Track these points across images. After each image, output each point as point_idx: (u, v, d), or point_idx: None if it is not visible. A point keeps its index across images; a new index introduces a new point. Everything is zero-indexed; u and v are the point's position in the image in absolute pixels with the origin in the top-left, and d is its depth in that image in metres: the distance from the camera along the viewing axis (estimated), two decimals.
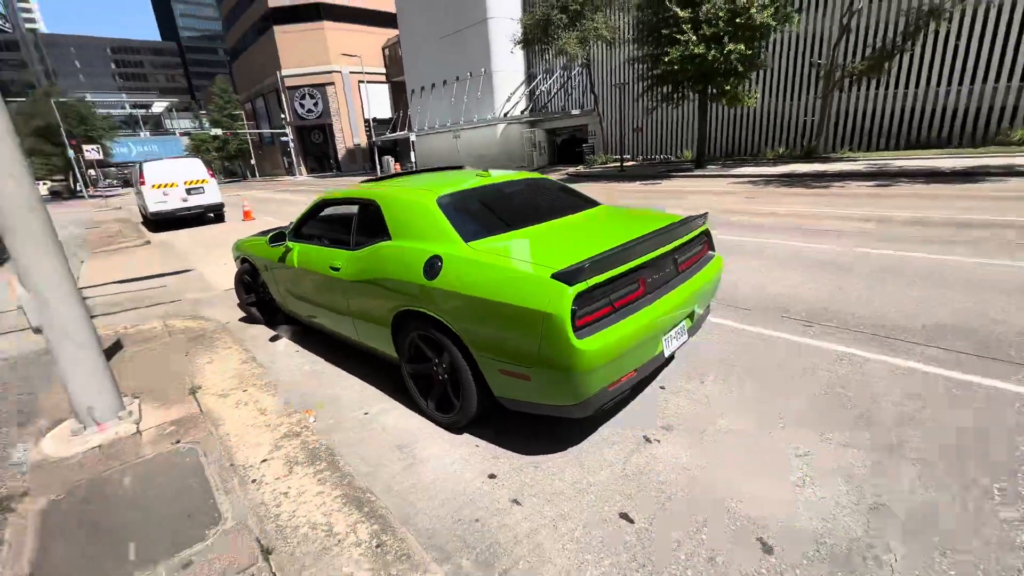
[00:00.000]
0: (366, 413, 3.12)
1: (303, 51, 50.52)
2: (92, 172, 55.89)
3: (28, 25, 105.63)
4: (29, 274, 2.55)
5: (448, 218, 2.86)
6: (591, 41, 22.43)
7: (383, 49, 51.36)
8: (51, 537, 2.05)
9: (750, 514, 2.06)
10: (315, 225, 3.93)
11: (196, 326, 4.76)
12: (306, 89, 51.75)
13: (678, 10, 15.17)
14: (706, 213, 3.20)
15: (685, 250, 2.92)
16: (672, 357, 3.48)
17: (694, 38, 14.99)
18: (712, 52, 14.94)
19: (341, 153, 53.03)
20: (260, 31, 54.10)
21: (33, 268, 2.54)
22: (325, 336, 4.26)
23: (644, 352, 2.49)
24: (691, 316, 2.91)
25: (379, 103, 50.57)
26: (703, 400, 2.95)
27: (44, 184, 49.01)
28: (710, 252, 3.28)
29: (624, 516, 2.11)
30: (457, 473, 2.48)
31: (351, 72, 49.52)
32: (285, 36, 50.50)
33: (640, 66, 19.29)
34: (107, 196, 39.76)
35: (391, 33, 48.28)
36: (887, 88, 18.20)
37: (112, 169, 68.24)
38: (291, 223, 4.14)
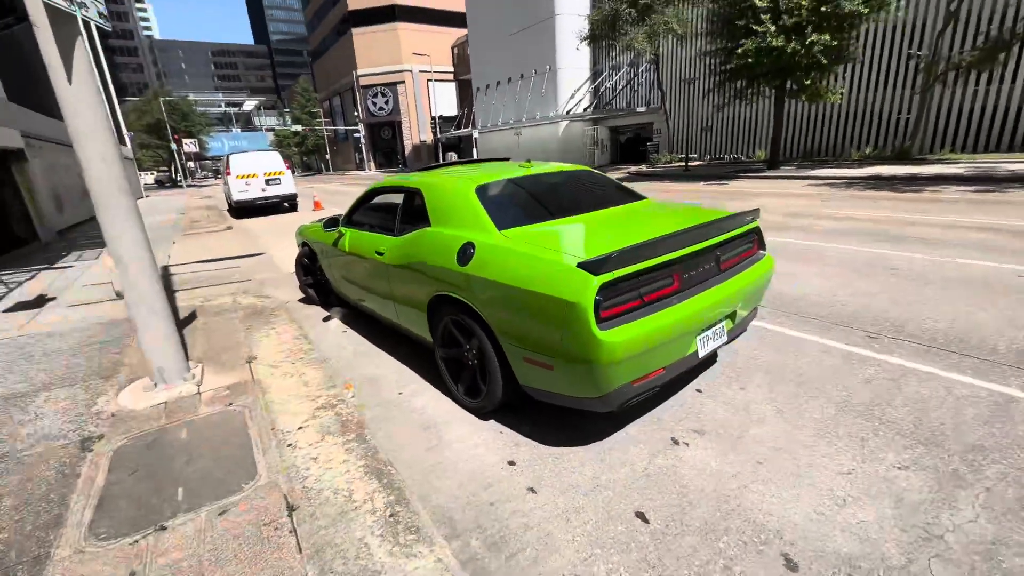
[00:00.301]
0: (400, 393, 3.24)
1: (377, 51, 52.88)
2: (191, 164, 61.85)
3: (145, 32, 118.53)
4: (115, 244, 2.88)
5: (484, 206, 2.89)
6: (660, 36, 21.68)
7: (452, 48, 52.61)
8: (117, 473, 2.32)
9: (777, 528, 1.92)
10: (365, 212, 4.12)
11: (260, 303, 5.15)
12: (378, 88, 54.15)
13: (755, 0, 14.29)
14: (757, 209, 3.01)
15: (730, 247, 2.76)
16: (713, 359, 3.32)
17: (772, 29, 14.03)
18: (792, 44, 13.91)
19: (408, 149, 55.03)
20: (339, 33, 57.27)
21: (118, 239, 2.86)
22: (371, 319, 4.46)
23: (674, 350, 2.39)
24: (732, 317, 2.75)
25: (446, 101, 51.93)
26: (741, 406, 2.78)
27: (151, 174, 54.90)
28: (760, 251, 3.08)
29: (640, 515, 2.04)
30: (478, 457, 2.51)
31: (421, 71, 51.20)
32: (361, 37, 53.10)
33: (711, 60, 18.41)
34: (201, 185, 43.88)
35: (460, 32, 49.35)
36: (999, 83, 16.12)
37: (208, 161, 75.19)
38: (345, 211, 4.36)
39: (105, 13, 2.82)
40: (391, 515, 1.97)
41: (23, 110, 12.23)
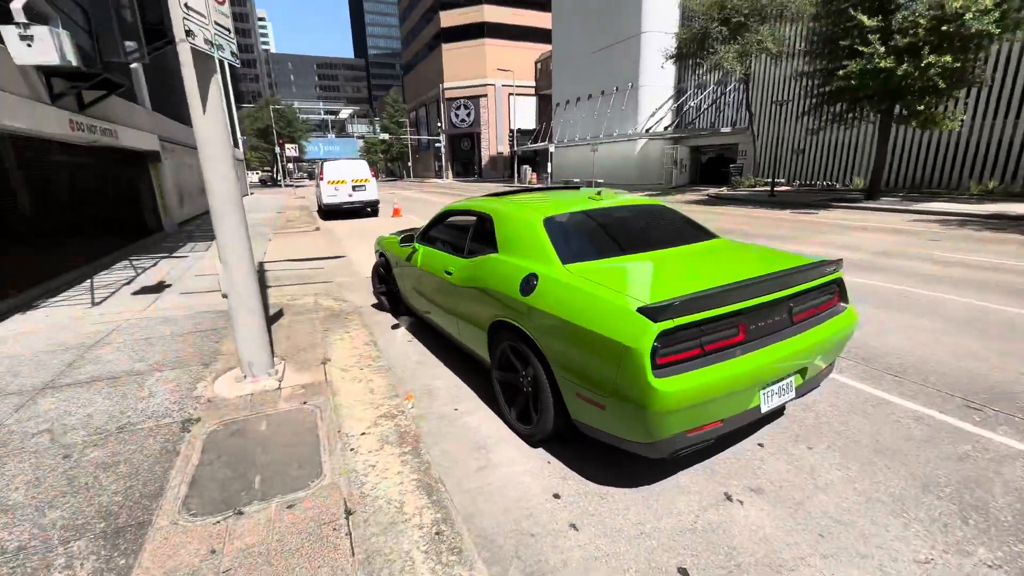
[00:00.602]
0: (456, 409, 3.37)
1: (463, 66, 55.25)
2: (290, 166, 67.98)
3: (263, 46, 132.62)
4: (224, 251, 3.28)
5: (551, 238, 2.97)
6: (753, 55, 20.75)
7: (535, 63, 53.67)
8: (208, 455, 2.64)
9: None
10: (439, 231, 4.35)
11: (337, 306, 5.58)
12: (462, 100, 56.46)
13: (864, 18, 13.23)
14: (840, 260, 2.82)
15: (805, 299, 2.62)
16: (780, 413, 3.14)
17: (881, 50, 12.89)
18: (904, 66, 12.68)
19: (485, 160, 56.69)
20: (430, 48, 60.56)
21: (227, 247, 3.27)
22: (434, 331, 4.68)
23: (735, 403, 2.31)
24: (803, 372, 2.60)
25: (525, 114, 52.97)
26: (807, 468, 2.61)
27: (256, 173, 60.93)
28: (841, 304, 2.88)
29: (682, 571, 1.99)
30: (525, 484, 2.56)
31: (503, 85, 52.70)
32: (450, 52, 55.76)
33: (808, 82, 17.29)
34: (297, 186, 48.00)
35: (544, 48, 50.33)
36: None
37: (304, 163, 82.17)
38: (420, 227, 4.63)
39: (236, 52, 3.26)
40: (437, 532, 2.07)
41: (162, 117, 14.16)
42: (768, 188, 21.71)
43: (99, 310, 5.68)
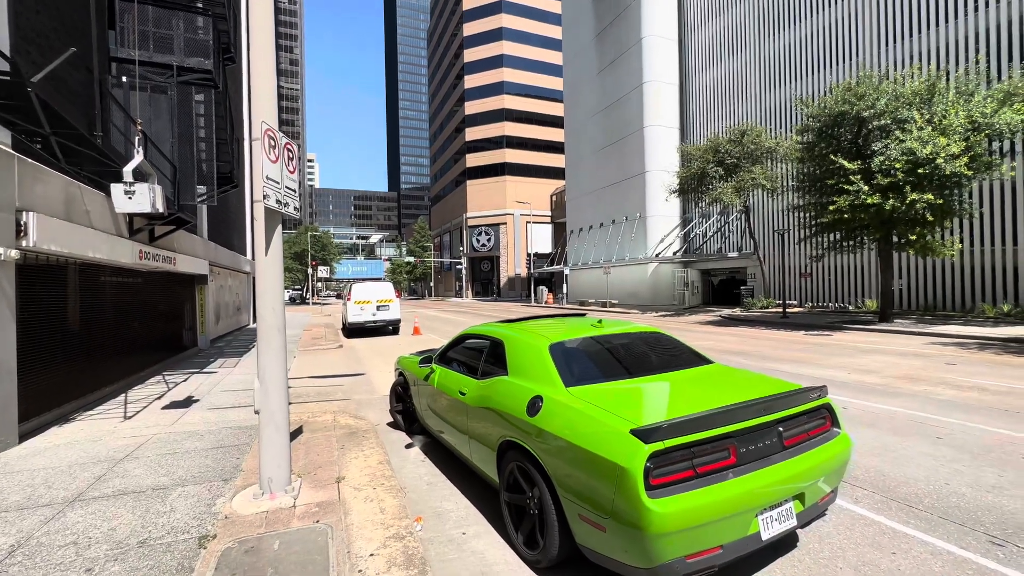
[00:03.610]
0: (464, 533, 3.38)
1: (485, 198, 61.08)
2: (319, 285, 72.15)
3: (308, 182, 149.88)
4: (263, 371, 3.67)
5: (555, 363, 3.29)
6: (748, 190, 22.68)
7: (551, 196, 59.01)
8: (221, 573, 2.70)
9: None
10: (456, 352, 4.70)
11: (354, 424, 5.76)
12: (483, 227, 61.27)
13: (844, 163, 14.72)
14: (824, 386, 3.03)
15: (794, 423, 2.79)
16: (792, 544, 3.08)
17: (866, 188, 14.10)
18: (891, 202, 13.73)
19: (503, 281, 59.48)
20: (456, 183, 67.71)
21: (267, 369, 3.66)
22: (446, 452, 4.77)
23: (732, 528, 2.37)
24: (801, 499, 2.66)
25: (541, 240, 56.78)
26: None
27: (288, 291, 64.67)
28: (834, 430, 3.01)
29: None
30: None
31: (522, 214, 57.49)
32: (473, 187, 62.10)
33: (802, 214, 18.60)
34: (324, 303, 50.40)
35: (559, 183, 55.79)
36: None
37: (332, 283, 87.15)
38: (439, 348, 5.02)
39: (298, 207, 4.01)
40: None
41: (214, 245, 15.84)
42: (780, 309, 22.05)
43: (131, 424, 5.97)
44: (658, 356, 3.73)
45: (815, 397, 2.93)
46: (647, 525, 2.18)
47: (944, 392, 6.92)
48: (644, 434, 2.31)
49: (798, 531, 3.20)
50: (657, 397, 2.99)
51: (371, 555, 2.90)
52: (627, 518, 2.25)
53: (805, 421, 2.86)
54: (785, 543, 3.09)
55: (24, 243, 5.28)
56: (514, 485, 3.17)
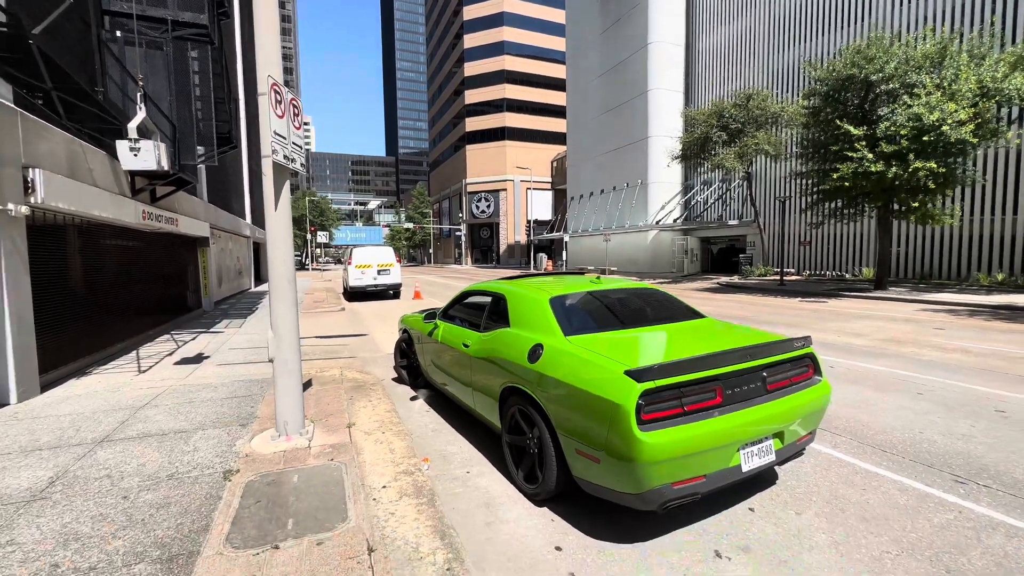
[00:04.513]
0: (468, 472, 3.64)
1: (484, 164, 60.16)
2: (317, 251, 72.02)
3: (305, 146, 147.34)
4: (277, 321, 3.84)
5: (555, 314, 3.46)
6: (751, 156, 22.45)
7: (552, 162, 58.15)
8: (247, 500, 2.95)
9: None
10: (459, 309, 4.88)
11: (361, 378, 6.00)
12: (482, 194, 60.63)
13: (850, 128, 14.54)
14: (808, 336, 3.22)
15: (779, 370, 2.98)
16: (772, 480, 3.34)
17: (870, 156, 13.98)
18: (893, 169, 13.66)
19: (502, 248, 59.37)
20: (455, 149, 66.52)
21: (280, 317, 3.83)
22: (450, 403, 5.02)
23: (715, 460, 2.60)
24: (781, 437, 2.89)
25: (541, 206, 56.32)
26: (793, 531, 2.79)
27: None
28: (816, 377, 3.22)
29: None
30: (529, 538, 2.79)
31: (522, 180, 56.81)
32: (473, 152, 61.06)
33: (804, 181, 18.50)
34: (323, 269, 50.51)
35: (560, 148, 54.84)
36: None
37: (331, 248, 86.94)
38: (442, 306, 5.19)
39: (304, 162, 4.08)
40: (448, 569, 2.32)
41: (215, 208, 15.81)
42: (778, 277, 22.25)
43: (146, 376, 6.21)
44: (652, 310, 3.91)
45: (799, 346, 3.11)
46: (638, 455, 2.40)
47: (929, 354, 7.17)
48: (637, 374, 2.50)
49: (776, 468, 3.47)
50: (650, 345, 3.17)
51: (383, 487, 3.15)
52: (620, 450, 2.47)
53: (788, 368, 3.05)
54: (765, 479, 3.35)
55: (32, 199, 5.35)
56: (515, 427, 3.40)
